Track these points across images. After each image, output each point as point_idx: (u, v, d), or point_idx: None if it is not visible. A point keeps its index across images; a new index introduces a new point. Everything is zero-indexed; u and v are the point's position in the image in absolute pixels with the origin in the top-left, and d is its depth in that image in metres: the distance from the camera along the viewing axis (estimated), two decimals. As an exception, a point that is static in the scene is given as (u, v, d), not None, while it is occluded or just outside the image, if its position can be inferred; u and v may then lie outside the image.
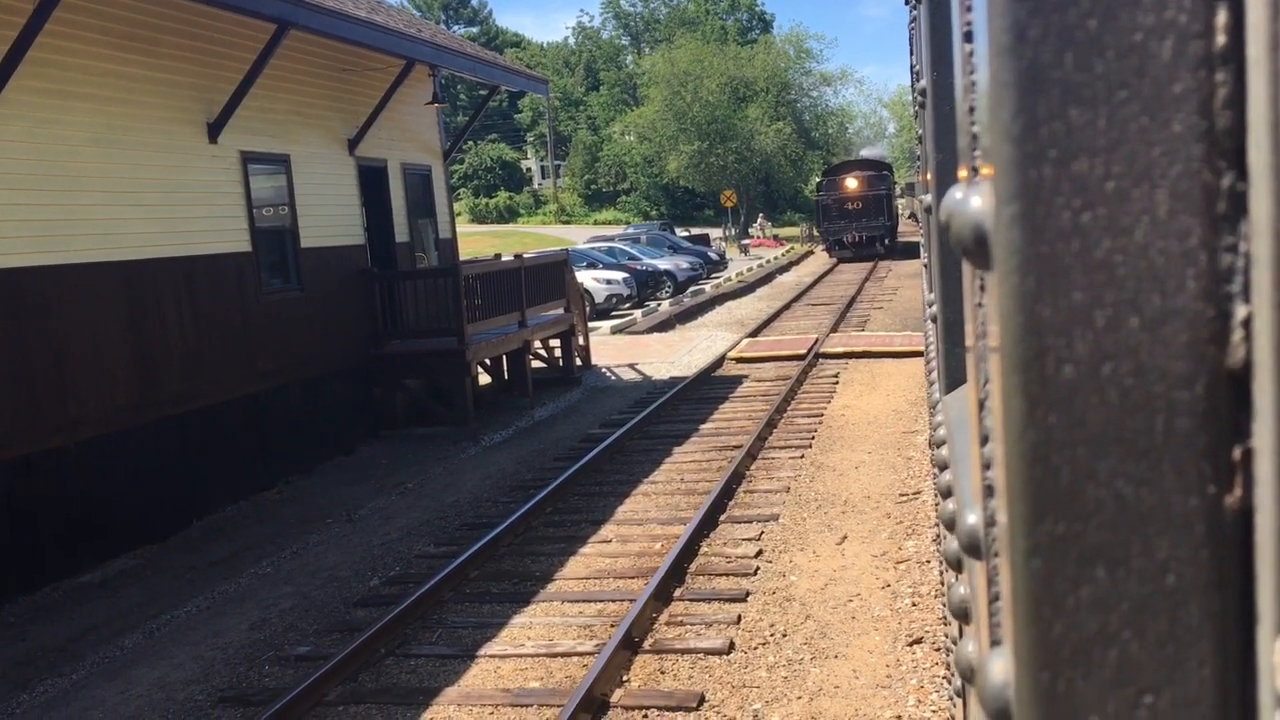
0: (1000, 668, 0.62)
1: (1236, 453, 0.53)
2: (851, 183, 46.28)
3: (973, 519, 0.95)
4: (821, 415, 14.58)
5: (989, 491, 0.84)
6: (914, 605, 7.79)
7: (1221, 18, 0.52)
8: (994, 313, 0.58)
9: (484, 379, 17.60)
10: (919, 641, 7.17)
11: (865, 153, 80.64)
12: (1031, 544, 0.56)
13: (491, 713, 6.68)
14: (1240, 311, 0.52)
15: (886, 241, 46.09)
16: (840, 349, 19.77)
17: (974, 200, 0.62)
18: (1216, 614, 0.54)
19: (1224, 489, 0.53)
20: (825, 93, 78.76)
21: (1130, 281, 0.54)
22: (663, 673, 7.01)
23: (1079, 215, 0.54)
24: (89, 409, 10.46)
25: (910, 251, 43.57)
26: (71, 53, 10.41)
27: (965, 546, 0.98)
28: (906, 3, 4.80)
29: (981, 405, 0.90)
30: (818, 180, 52.67)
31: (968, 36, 0.87)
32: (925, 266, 4.83)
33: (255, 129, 13.31)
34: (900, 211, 62.05)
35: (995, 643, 0.83)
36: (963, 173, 0.92)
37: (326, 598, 9.02)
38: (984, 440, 0.86)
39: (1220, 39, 0.52)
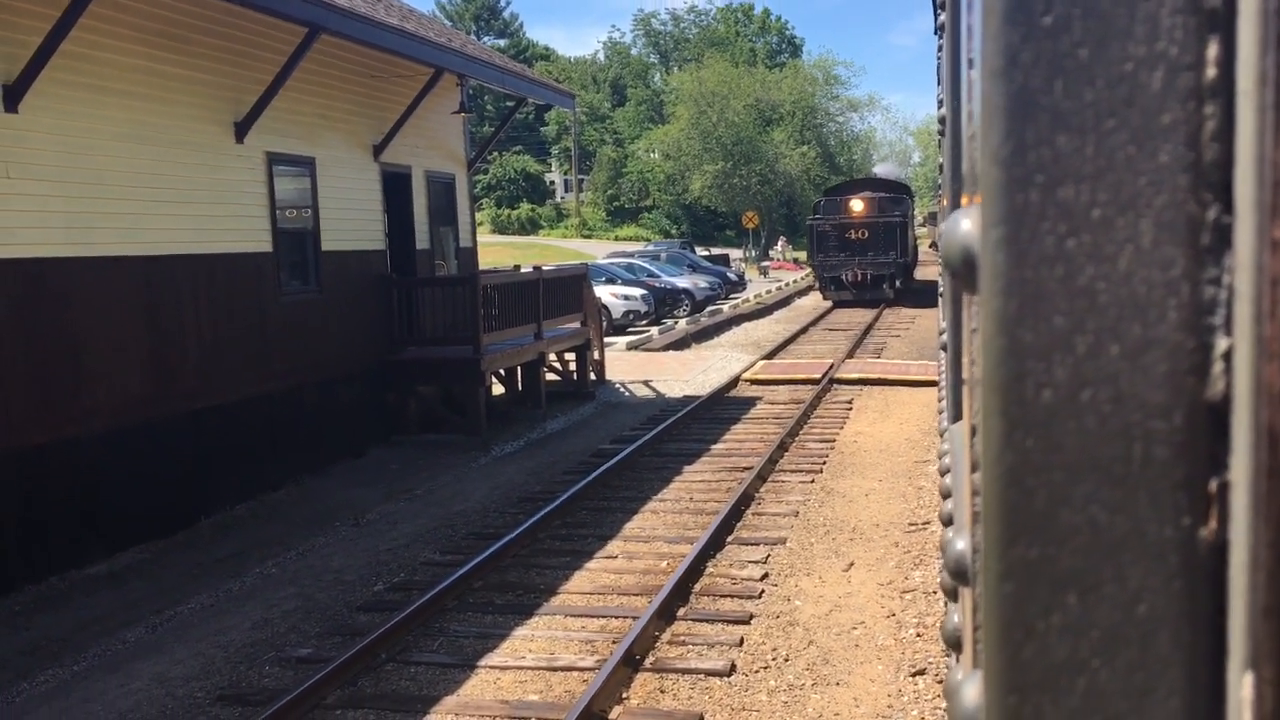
0: (973, 692, 0.62)
1: (1213, 485, 0.53)
2: (857, 205, 36.18)
3: (961, 544, 0.95)
4: (834, 441, 14.54)
5: (977, 518, 0.84)
6: (918, 636, 7.75)
7: (1213, 51, 0.52)
8: (979, 335, 0.58)
9: (497, 389, 17.62)
10: (922, 673, 7.13)
11: (879, 170, 70.15)
12: (1005, 567, 0.56)
13: (488, 723, 6.66)
14: (1221, 344, 0.52)
15: (898, 282, 35.94)
16: (855, 375, 19.72)
17: (964, 223, 0.62)
18: (1187, 646, 0.53)
19: (1199, 521, 0.53)
20: (852, 119, 78.91)
21: (1112, 309, 0.54)
22: (663, 691, 6.99)
23: (1064, 241, 0.54)
24: (104, 400, 10.51)
25: (928, 295, 34.49)
26: (104, 47, 10.50)
27: (952, 572, 0.98)
28: (936, 33, 4.81)
29: (974, 432, 0.90)
30: (816, 200, 42.41)
31: (971, 63, 0.88)
32: (941, 295, 4.83)
33: (282, 130, 13.40)
34: (918, 243, 52.16)
35: (978, 669, 0.83)
36: (965, 200, 0.92)
37: (330, 600, 9.03)
38: (974, 467, 0.86)
39: (1211, 72, 0.52)
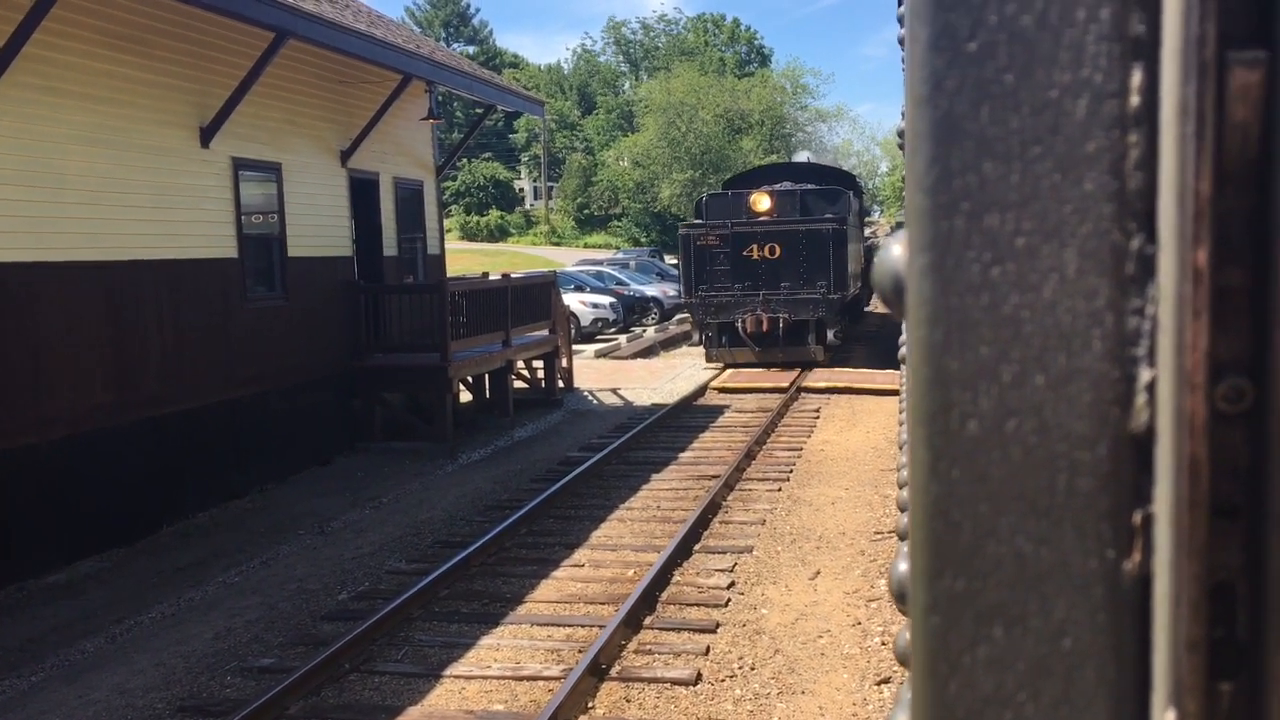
0: None
1: (1137, 517, 0.52)
2: (763, 202, 21.98)
3: (904, 566, 0.95)
4: (800, 449, 14.58)
5: None
6: (883, 644, 7.77)
7: (1137, 78, 0.51)
8: (907, 364, 0.58)
9: (465, 396, 17.56)
10: (887, 681, 7.15)
11: (802, 158, 50.79)
12: (930, 599, 0.55)
13: (452, 734, 6.62)
14: (1145, 375, 0.52)
15: (831, 332, 21.59)
16: (822, 384, 19.78)
17: (894, 249, 0.62)
18: (1112, 680, 0.53)
19: (1123, 553, 0.53)
20: (820, 129, 79.24)
21: (1037, 339, 0.53)
22: (628, 701, 6.97)
23: (989, 269, 0.54)
24: (64, 407, 10.38)
25: (886, 344, 23.90)
26: (66, 50, 10.39)
27: (896, 595, 0.97)
28: (900, 43, 4.83)
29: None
30: (697, 199, 26.55)
31: None
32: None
33: (248, 135, 13.30)
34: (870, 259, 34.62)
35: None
36: None
37: (293, 610, 8.95)
38: None
39: (1134, 100, 0.52)
